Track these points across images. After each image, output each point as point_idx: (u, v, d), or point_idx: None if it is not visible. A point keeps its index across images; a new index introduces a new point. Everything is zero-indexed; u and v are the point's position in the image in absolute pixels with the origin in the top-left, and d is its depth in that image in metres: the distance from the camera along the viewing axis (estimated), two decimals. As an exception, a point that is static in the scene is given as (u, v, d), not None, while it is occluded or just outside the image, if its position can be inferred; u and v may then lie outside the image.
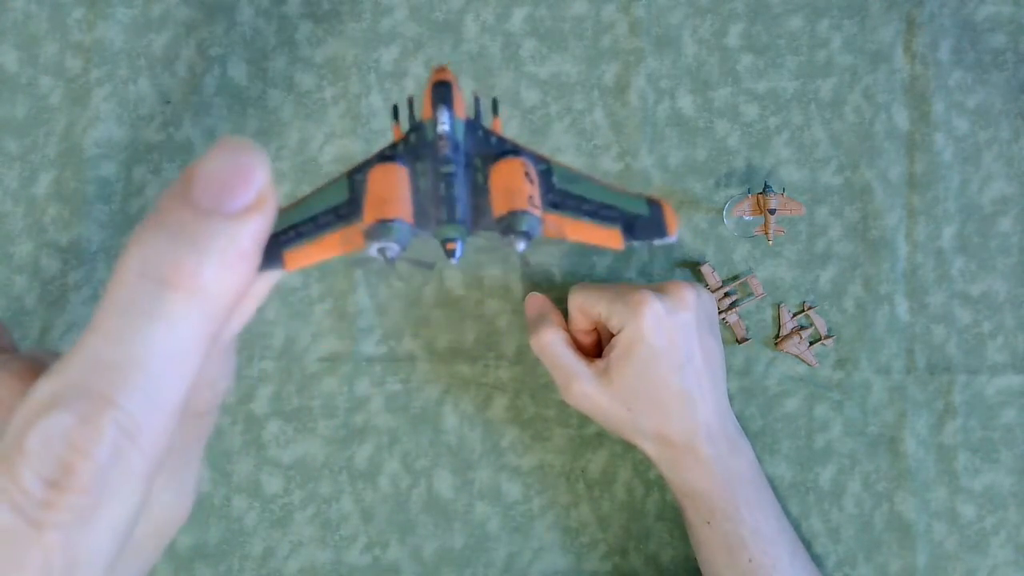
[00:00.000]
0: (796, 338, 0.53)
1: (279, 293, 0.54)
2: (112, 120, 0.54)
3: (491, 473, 0.53)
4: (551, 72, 0.55)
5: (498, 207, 0.19)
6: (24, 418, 0.12)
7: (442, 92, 0.20)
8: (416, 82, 0.55)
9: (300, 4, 0.55)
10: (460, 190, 0.19)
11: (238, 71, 0.54)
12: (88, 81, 0.54)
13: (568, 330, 0.49)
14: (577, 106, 0.55)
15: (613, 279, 0.55)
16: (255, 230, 0.15)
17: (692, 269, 0.54)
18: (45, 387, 0.12)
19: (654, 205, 0.20)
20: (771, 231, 0.51)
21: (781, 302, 0.54)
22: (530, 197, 0.19)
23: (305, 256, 0.18)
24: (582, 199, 0.20)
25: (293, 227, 0.18)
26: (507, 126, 0.55)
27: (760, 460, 0.51)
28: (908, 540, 0.53)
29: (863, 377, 0.54)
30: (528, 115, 0.55)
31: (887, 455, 0.54)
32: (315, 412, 0.53)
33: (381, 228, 0.18)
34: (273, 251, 0.17)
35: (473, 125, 0.21)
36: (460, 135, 0.20)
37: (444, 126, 0.20)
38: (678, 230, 0.20)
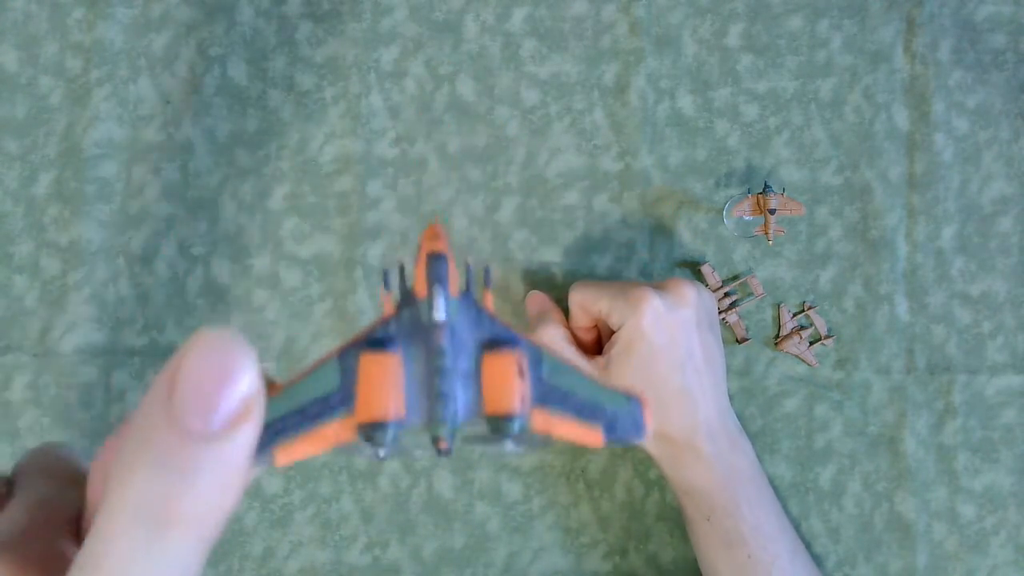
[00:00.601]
0: (796, 338, 0.53)
1: (279, 293, 0.54)
2: (112, 120, 0.54)
3: (491, 473, 0.53)
4: (551, 72, 0.55)
5: (489, 406, 0.19)
6: None
7: (437, 269, 0.19)
8: (416, 82, 0.55)
9: (300, 4, 0.55)
10: (453, 386, 0.19)
11: (238, 71, 0.54)
12: (88, 81, 0.54)
13: (569, 327, 0.49)
14: (577, 106, 0.55)
15: (614, 279, 0.54)
16: (245, 444, 0.15)
17: (692, 269, 0.54)
18: None
19: (633, 403, 0.20)
20: (771, 231, 0.51)
21: (781, 302, 0.54)
22: (521, 397, 0.19)
23: (296, 451, 0.18)
24: (568, 394, 0.20)
25: (283, 418, 0.18)
26: (507, 126, 0.55)
27: (760, 460, 0.51)
28: (908, 540, 0.53)
29: (863, 377, 0.54)
30: (528, 115, 0.55)
31: (887, 455, 0.54)
32: (315, 412, 0.53)
33: (373, 430, 0.18)
34: (263, 443, 0.17)
35: (467, 302, 0.20)
36: (455, 318, 0.20)
37: (441, 314, 0.19)
38: (650, 424, 0.20)
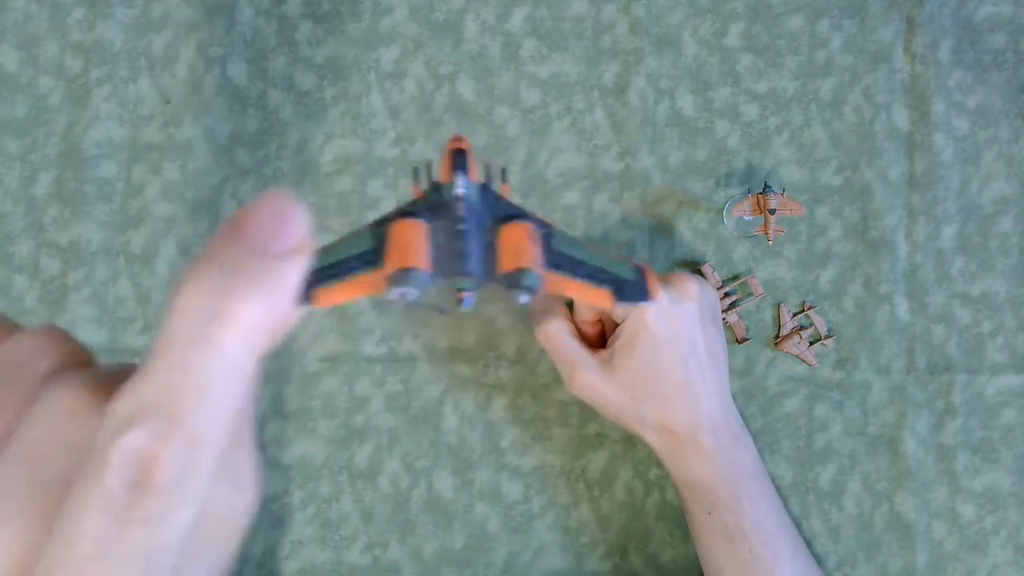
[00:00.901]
0: (796, 338, 0.53)
1: (279, 293, 0.54)
2: (112, 120, 0.54)
3: (491, 473, 0.53)
4: (551, 72, 0.55)
5: (505, 264, 0.21)
6: (107, 435, 0.14)
7: (459, 159, 0.22)
8: (416, 82, 0.55)
9: (300, 4, 0.55)
10: (473, 246, 0.21)
11: (238, 71, 0.54)
12: (88, 81, 0.54)
13: (573, 321, 0.49)
14: (577, 106, 0.55)
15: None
16: (297, 270, 0.17)
17: (692, 269, 0.54)
18: (122, 407, 0.14)
19: (638, 271, 0.22)
20: (771, 231, 0.51)
21: (781, 302, 0.54)
22: (533, 257, 0.21)
23: (334, 295, 0.20)
24: (578, 262, 0.22)
25: (323, 269, 0.20)
26: (507, 126, 0.55)
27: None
28: (908, 540, 0.53)
29: (863, 377, 0.54)
30: (528, 115, 0.55)
31: (887, 455, 0.54)
32: (315, 412, 0.53)
33: (402, 275, 0.20)
34: (305, 289, 0.18)
35: (485, 189, 0.23)
36: (474, 197, 0.22)
37: (460, 189, 0.22)
38: (659, 295, 0.22)
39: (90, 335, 0.53)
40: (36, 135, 0.54)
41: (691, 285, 0.46)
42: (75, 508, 0.14)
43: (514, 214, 0.23)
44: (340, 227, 0.54)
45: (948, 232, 0.55)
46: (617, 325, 0.47)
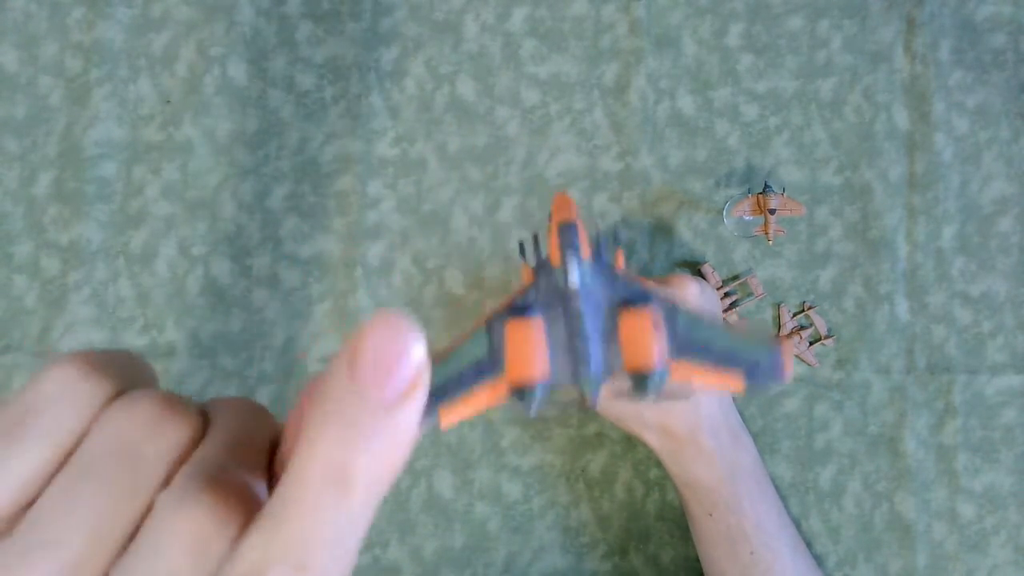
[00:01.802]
0: (796, 338, 0.53)
1: (279, 293, 0.54)
2: (112, 120, 0.54)
3: (491, 473, 0.53)
4: (551, 72, 0.55)
5: (629, 362, 0.20)
6: None
7: (568, 235, 0.21)
8: (416, 82, 0.55)
9: (300, 4, 0.55)
10: (593, 346, 0.20)
11: (238, 71, 0.54)
12: (88, 81, 0.54)
13: None
14: (577, 106, 0.55)
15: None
16: (416, 409, 0.16)
17: (692, 269, 0.54)
18: (254, 555, 0.15)
19: (771, 347, 0.20)
20: (771, 231, 0.51)
21: (781, 302, 0.54)
22: (660, 351, 0.20)
23: (457, 412, 0.19)
24: (706, 344, 0.20)
25: (442, 385, 0.19)
26: (507, 126, 0.55)
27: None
28: (908, 540, 0.53)
29: (863, 377, 0.54)
30: (528, 115, 0.55)
31: (887, 455, 0.54)
32: (315, 412, 0.53)
33: (523, 391, 0.19)
34: (428, 407, 0.18)
35: (599, 265, 0.21)
36: (589, 281, 0.21)
37: (575, 281, 0.21)
38: (791, 372, 0.21)
39: (90, 335, 0.53)
40: (36, 135, 0.53)
41: (691, 286, 0.46)
42: None
43: (635, 295, 0.21)
44: (340, 227, 0.54)
45: (948, 232, 0.55)
46: None
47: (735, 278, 0.54)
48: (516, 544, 0.53)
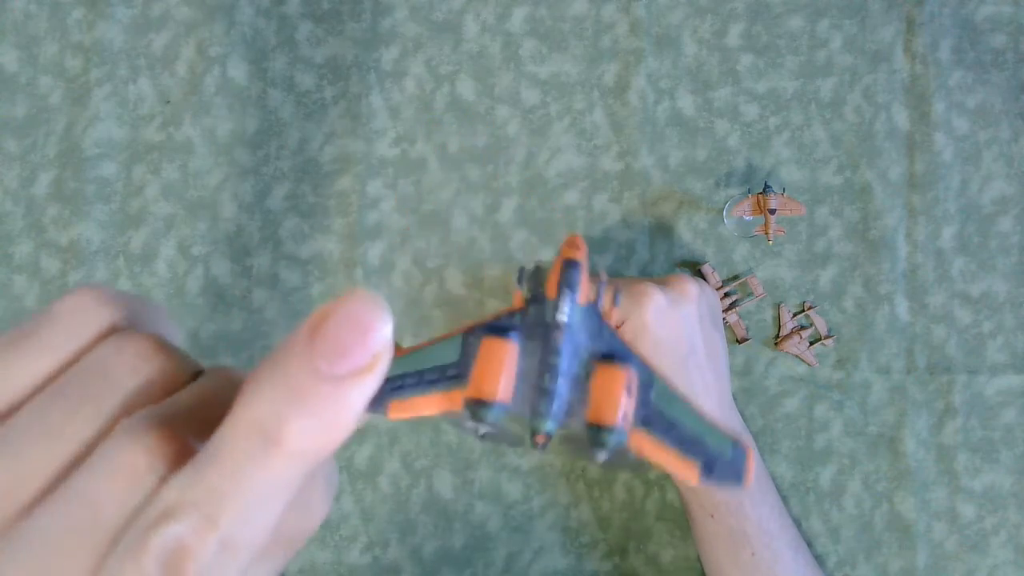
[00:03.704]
0: (796, 338, 0.53)
1: (279, 293, 0.54)
2: (112, 120, 0.54)
3: (491, 473, 0.53)
4: (551, 72, 0.55)
5: (592, 414, 0.19)
6: (152, 517, 0.15)
7: (570, 274, 0.20)
8: (416, 82, 0.55)
9: (300, 4, 0.55)
10: (562, 387, 0.20)
11: (238, 71, 0.54)
12: (88, 81, 0.54)
13: None
14: (577, 106, 0.55)
15: (616, 277, 0.54)
16: (363, 393, 0.16)
17: (692, 269, 0.54)
18: (171, 496, 0.15)
19: (737, 448, 0.20)
20: (771, 231, 0.51)
21: (781, 302, 0.54)
22: (625, 414, 0.19)
23: (408, 408, 0.19)
24: (673, 423, 0.20)
25: (403, 376, 0.19)
26: (507, 126, 0.55)
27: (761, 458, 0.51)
28: (908, 540, 0.53)
29: (863, 377, 0.54)
30: (528, 115, 0.55)
31: (887, 455, 0.54)
32: (315, 412, 0.53)
33: (480, 408, 0.19)
34: (380, 394, 0.18)
35: (591, 312, 0.21)
36: (577, 324, 0.20)
37: (564, 317, 0.20)
38: (753, 476, 0.20)
39: (90, 335, 0.53)
40: (36, 135, 0.54)
41: (690, 287, 0.46)
42: None
43: (615, 352, 0.21)
44: (340, 227, 0.54)
45: (948, 232, 0.55)
46: (617, 327, 0.47)
47: (735, 278, 0.54)
48: (516, 544, 0.53)
